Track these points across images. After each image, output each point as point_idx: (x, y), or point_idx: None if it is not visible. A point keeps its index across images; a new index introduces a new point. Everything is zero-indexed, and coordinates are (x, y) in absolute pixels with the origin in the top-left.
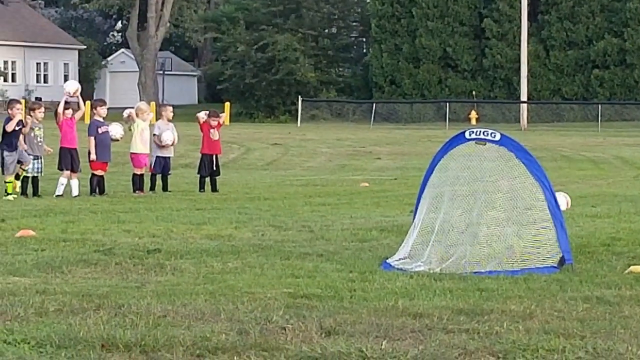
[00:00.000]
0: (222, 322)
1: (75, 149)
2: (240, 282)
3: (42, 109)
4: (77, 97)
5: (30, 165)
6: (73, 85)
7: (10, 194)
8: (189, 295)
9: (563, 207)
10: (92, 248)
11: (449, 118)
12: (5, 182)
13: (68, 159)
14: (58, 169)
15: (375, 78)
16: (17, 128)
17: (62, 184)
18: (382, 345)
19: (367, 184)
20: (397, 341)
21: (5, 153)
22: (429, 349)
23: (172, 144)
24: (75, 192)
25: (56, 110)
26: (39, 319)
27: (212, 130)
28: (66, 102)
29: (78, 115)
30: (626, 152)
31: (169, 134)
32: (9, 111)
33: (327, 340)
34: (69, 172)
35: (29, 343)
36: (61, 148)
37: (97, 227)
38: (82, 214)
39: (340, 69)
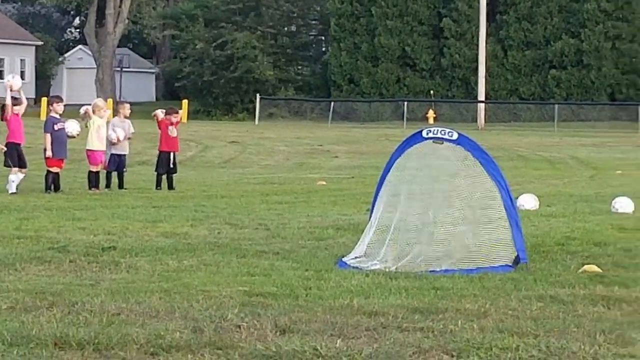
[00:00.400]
0: (177, 320)
1: (21, 144)
2: (195, 280)
3: None
4: (20, 92)
5: None
6: (18, 82)
7: None
8: (144, 293)
9: (534, 207)
10: (47, 245)
11: (406, 117)
12: None
13: (15, 155)
14: (5, 165)
15: (333, 77)
16: None
17: (14, 181)
18: (336, 343)
19: (324, 183)
20: (351, 339)
21: None
22: (384, 347)
23: (120, 141)
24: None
25: (2, 105)
26: None
27: (170, 128)
28: (14, 98)
29: (22, 109)
30: (582, 152)
31: (117, 131)
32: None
33: (282, 338)
34: (17, 168)
35: None
36: (8, 143)
37: (51, 225)
38: (36, 211)
39: (299, 67)
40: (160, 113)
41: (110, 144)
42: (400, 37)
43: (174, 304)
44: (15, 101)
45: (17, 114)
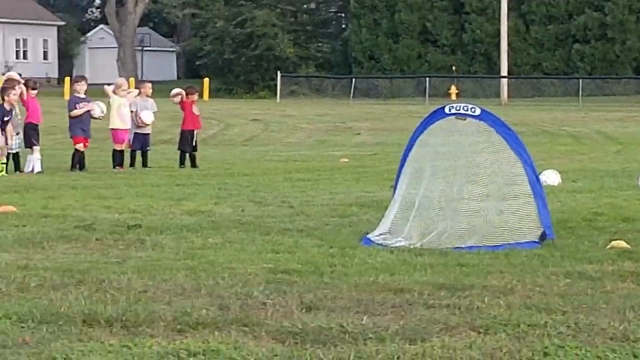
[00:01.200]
0: (203, 298)
1: (39, 125)
2: (220, 257)
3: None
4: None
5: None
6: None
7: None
8: (170, 270)
9: (555, 182)
10: (73, 224)
11: (428, 93)
12: None
13: (36, 135)
14: (27, 146)
15: (354, 53)
16: (6, 119)
17: (38, 159)
18: (362, 320)
19: (346, 160)
20: (377, 316)
21: None
22: (410, 324)
23: (147, 124)
24: (38, 167)
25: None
26: (20, 295)
27: (194, 106)
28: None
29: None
30: (608, 127)
31: (149, 115)
32: (6, 97)
33: (308, 315)
34: (39, 146)
35: (10, 318)
36: (28, 124)
37: (77, 203)
38: (62, 189)
39: (319, 45)
40: (179, 93)
41: (137, 125)
42: (420, 12)
43: (199, 282)
44: (34, 84)
45: (34, 97)
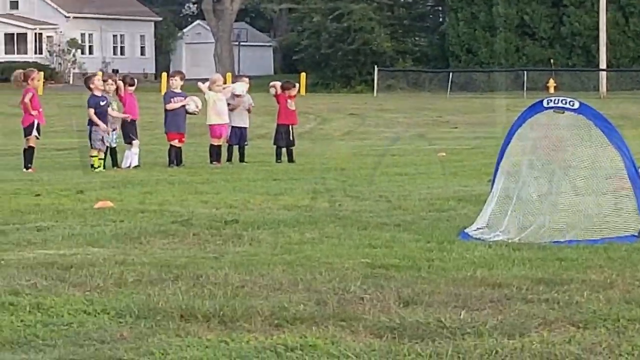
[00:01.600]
0: (300, 293)
1: (135, 120)
2: (317, 252)
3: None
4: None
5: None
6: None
7: (97, 167)
8: (267, 265)
9: None
10: (170, 219)
11: (526, 87)
12: (91, 157)
13: (134, 129)
14: (126, 142)
15: (451, 47)
16: (102, 104)
17: (136, 154)
18: (460, 315)
19: (444, 154)
20: (475, 311)
21: (94, 128)
22: (508, 318)
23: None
24: (136, 162)
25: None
26: (118, 290)
27: (288, 101)
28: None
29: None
30: None
31: (241, 85)
32: (91, 85)
33: (406, 310)
34: (137, 141)
35: (108, 313)
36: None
37: (174, 198)
38: (159, 185)
39: (416, 39)
40: (273, 85)
41: (234, 95)
42: (518, 6)
43: (297, 277)
44: (132, 80)
45: (131, 93)
